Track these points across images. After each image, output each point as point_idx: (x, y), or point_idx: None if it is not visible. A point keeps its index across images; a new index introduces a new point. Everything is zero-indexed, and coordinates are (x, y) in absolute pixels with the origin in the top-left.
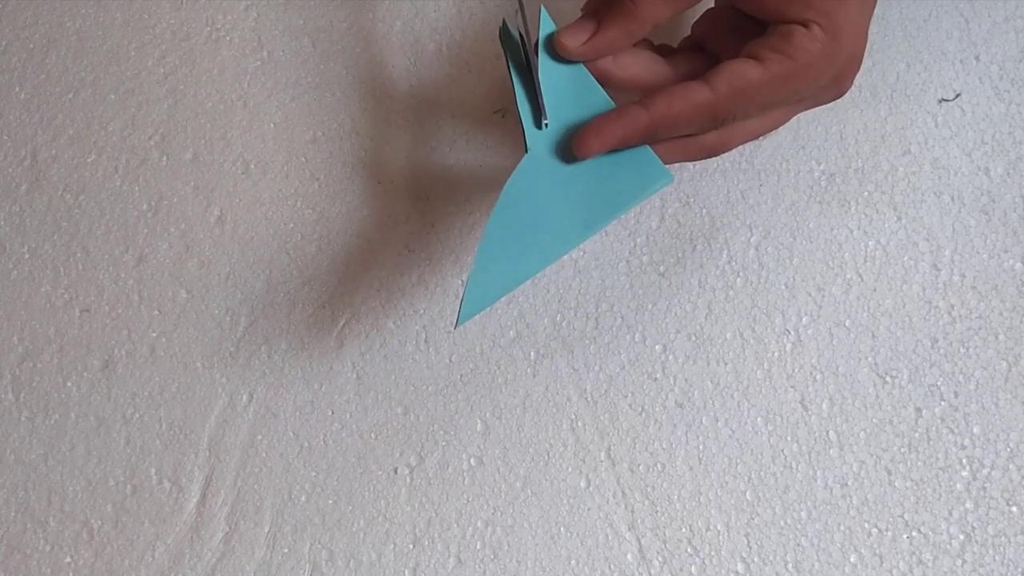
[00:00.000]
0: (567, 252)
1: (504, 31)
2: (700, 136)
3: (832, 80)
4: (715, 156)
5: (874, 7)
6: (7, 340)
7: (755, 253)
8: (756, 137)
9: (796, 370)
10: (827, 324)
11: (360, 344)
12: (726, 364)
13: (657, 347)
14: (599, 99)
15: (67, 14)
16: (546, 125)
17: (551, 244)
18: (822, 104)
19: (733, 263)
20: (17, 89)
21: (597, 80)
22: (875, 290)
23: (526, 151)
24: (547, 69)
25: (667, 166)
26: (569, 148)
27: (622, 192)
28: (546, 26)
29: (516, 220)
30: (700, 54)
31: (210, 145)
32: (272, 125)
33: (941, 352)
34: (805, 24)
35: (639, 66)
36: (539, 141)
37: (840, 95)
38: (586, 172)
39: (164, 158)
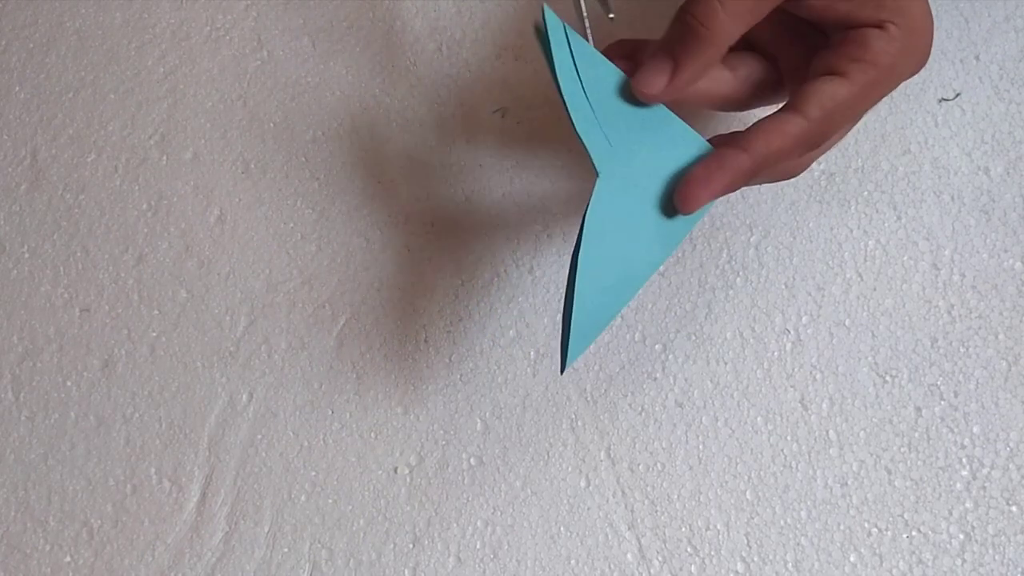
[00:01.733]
0: (654, 272)
1: (550, 23)
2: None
3: (912, 73)
4: (794, 177)
5: None
6: (7, 339)
7: (755, 252)
8: (830, 148)
9: (796, 369)
10: (827, 323)
11: (360, 344)
12: (726, 363)
13: (657, 346)
14: (681, 129)
15: (67, 13)
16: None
17: (638, 267)
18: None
19: (733, 262)
20: (17, 88)
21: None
22: (875, 289)
23: (596, 174)
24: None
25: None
26: (640, 169)
27: (677, 228)
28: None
29: (603, 251)
30: (754, 55)
31: (210, 145)
32: (272, 125)
33: (941, 351)
34: (880, 25)
35: (703, 80)
36: (606, 161)
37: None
38: (656, 187)
39: (164, 157)
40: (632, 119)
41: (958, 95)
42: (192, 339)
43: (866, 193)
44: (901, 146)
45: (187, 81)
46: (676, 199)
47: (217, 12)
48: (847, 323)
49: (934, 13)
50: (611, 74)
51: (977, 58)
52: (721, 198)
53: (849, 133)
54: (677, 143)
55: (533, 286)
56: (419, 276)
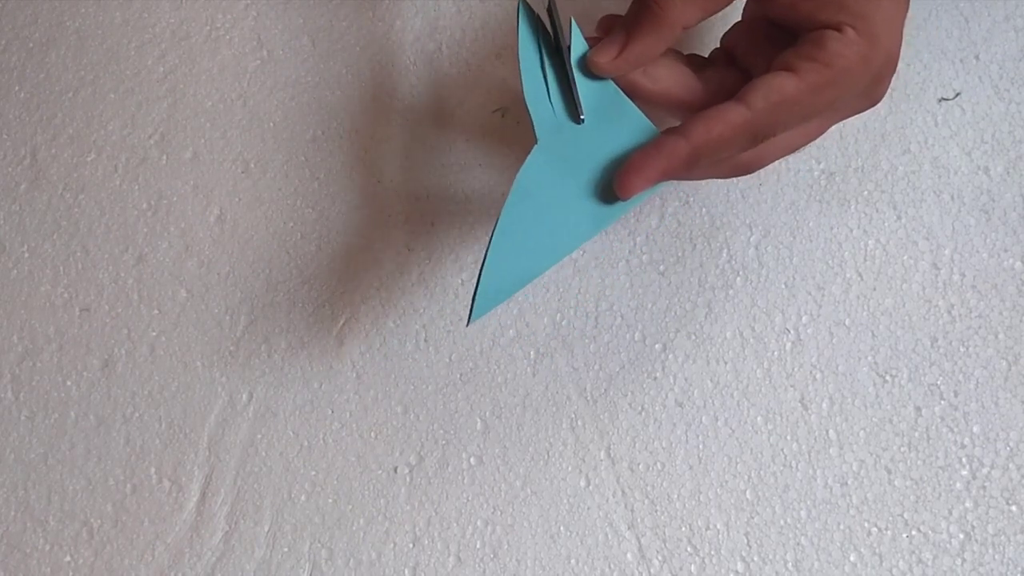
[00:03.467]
0: (578, 247)
1: (524, 9)
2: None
3: (869, 84)
4: (749, 173)
5: (908, 6)
6: (7, 339)
7: (755, 252)
8: (791, 151)
9: (796, 369)
10: (827, 323)
11: (360, 343)
12: (726, 363)
13: (657, 346)
14: (630, 112)
15: (67, 13)
16: (582, 120)
17: (563, 239)
18: (857, 112)
19: (733, 262)
20: (17, 88)
21: (627, 94)
22: (875, 289)
23: (536, 141)
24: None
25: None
26: (582, 146)
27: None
28: (578, 42)
29: (528, 213)
30: (731, 68)
31: (210, 144)
32: (272, 124)
33: (941, 351)
34: (838, 28)
35: (670, 79)
36: (550, 132)
37: (875, 102)
38: (596, 165)
39: (164, 157)
40: (586, 97)
41: (958, 95)
42: (192, 339)
43: (866, 193)
44: (901, 146)
45: (187, 81)
46: (615, 184)
47: (217, 12)
48: (847, 323)
49: (935, 13)
50: (576, 48)
51: (977, 58)
52: (721, 197)
53: (848, 132)
54: (625, 125)
55: (533, 286)
56: (419, 276)
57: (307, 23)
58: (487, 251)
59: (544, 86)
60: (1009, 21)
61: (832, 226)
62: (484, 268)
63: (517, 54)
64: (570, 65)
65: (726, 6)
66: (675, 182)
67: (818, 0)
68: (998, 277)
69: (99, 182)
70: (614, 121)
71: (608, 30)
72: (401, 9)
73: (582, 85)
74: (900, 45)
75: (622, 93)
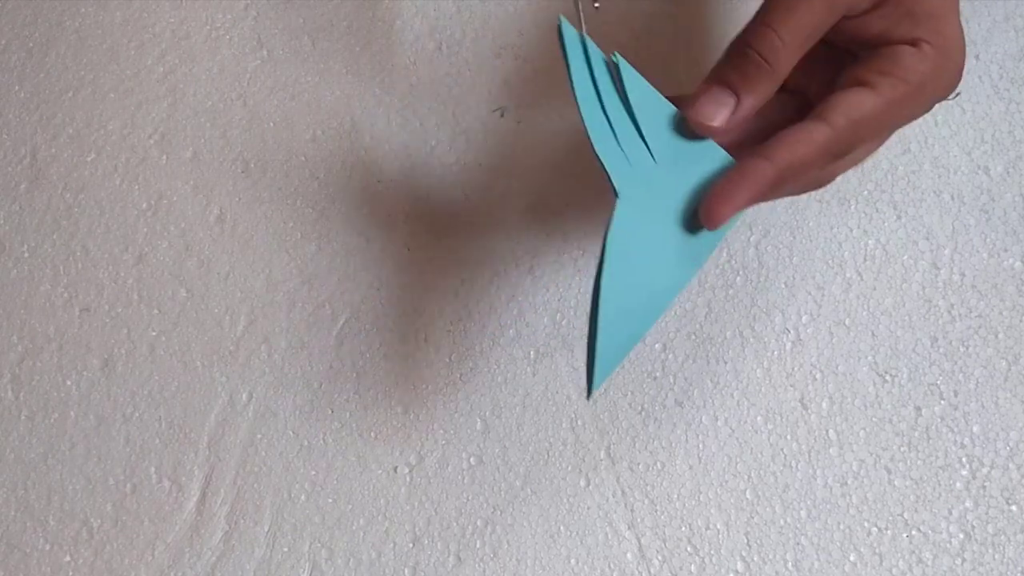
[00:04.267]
0: (681, 291)
1: (567, 34)
2: None
3: (941, 97)
4: (820, 188)
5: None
6: (7, 339)
7: (755, 252)
8: (859, 162)
9: (796, 369)
10: (827, 323)
11: (360, 343)
12: (726, 363)
13: (657, 346)
14: (703, 143)
15: (67, 13)
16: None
17: (665, 287)
18: (913, 120)
19: (733, 262)
20: (16, 88)
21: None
22: (875, 289)
23: (616, 195)
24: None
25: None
26: (663, 187)
27: (704, 244)
28: (631, 78)
29: (627, 274)
30: (782, 93)
31: (209, 144)
32: (272, 124)
33: (941, 351)
34: (915, 44)
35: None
36: (628, 181)
37: (930, 109)
38: (681, 204)
39: (164, 157)
40: (653, 136)
41: (958, 94)
42: (192, 338)
43: (866, 192)
44: (901, 145)
45: (187, 80)
46: (701, 214)
47: (217, 11)
48: (847, 322)
49: None
50: (631, 83)
51: (977, 57)
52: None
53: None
54: (698, 158)
55: (533, 286)
56: (419, 275)
57: (307, 23)
58: (594, 320)
59: (609, 128)
60: (1009, 21)
61: (832, 226)
62: (597, 339)
63: (573, 93)
64: (626, 99)
65: (816, 36)
66: None
67: (892, 18)
68: (998, 277)
69: (99, 182)
70: (689, 155)
71: (724, 80)
72: (401, 9)
73: (645, 122)
74: (965, 50)
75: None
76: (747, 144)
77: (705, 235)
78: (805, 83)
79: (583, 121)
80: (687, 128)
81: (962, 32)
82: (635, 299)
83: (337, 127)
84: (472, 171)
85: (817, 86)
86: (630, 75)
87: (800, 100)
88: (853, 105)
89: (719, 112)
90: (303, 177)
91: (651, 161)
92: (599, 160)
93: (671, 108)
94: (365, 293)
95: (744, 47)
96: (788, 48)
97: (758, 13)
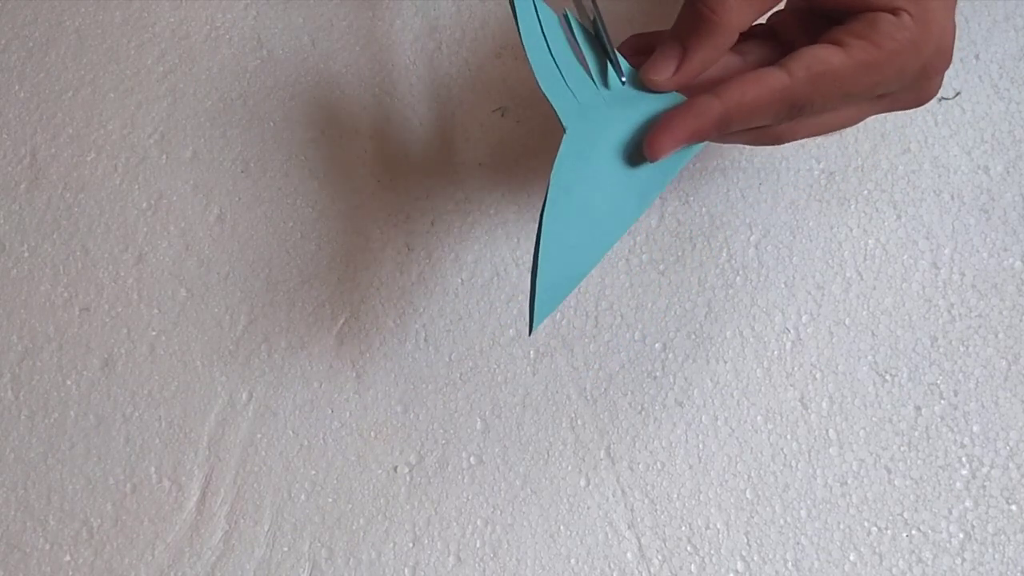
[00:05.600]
0: (627, 229)
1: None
2: None
3: (917, 75)
4: (777, 144)
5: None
6: (7, 338)
7: (755, 251)
8: (824, 132)
9: (796, 368)
10: (827, 322)
11: (360, 343)
12: (726, 362)
13: (657, 345)
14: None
15: (66, 12)
16: (623, 83)
17: (610, 225)
18: (903, 107)
19: (733, 261)
20: (16, 87)
21: None
22: (875, 288)
23: (564, 129)
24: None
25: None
26: (611, 125)
27: (669, 159)
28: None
29: (571, 209)
30: (772, 41)
31: (209, 144)
32: (272, 124)
33: (941, 350)
34: (893, 11)
35: (712, 68)
36: (575, 118)
37: (924, 100)
38: (629, 141)
39: (163, 157)
40: (604, 80)
41: (958, 94)
42: (192, 338)
43: (866, 192)
44: (901, 145)
45: (187, 80)
46: (644, 145)
47: (217, 11)
48: (847, 322)
49: None
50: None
51: (977, 57)
52: (721, 197)
53: (847, 132)
54: (650, 97)
55: None
56: (419, 275)
57: (307, 23)
58: (536, 255)
59: (558, 72)
60: (1009, 21)
61: (832, 225)
62: (538, 273)
63: (522, 44)
64: (603, 26)
65: (780, 1)
66: (675, 181)
67: None
68: (998, 276)
69: (99, 181)
70: (641, 96)
71: (638, 49)
72: (401, 9)
73: (595, 69)
74: (953, 40)
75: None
76: None
77: (654, 173)
78: (798, 42)
79: (530, 66)
80: (640, 83)
81: (950, 11)
82: (579, 235)
83: (336, 126)
84: (472, 171)
85: (805, 43)
86: (579, 29)
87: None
88: (818, 58)
89: (665, 66)
90: (303, 177)
91: (601, 100)
92: (546, 97)
93: (623, 62)
94: (365, 292)
95: (694, 1)
96: (739, 2)
97: None
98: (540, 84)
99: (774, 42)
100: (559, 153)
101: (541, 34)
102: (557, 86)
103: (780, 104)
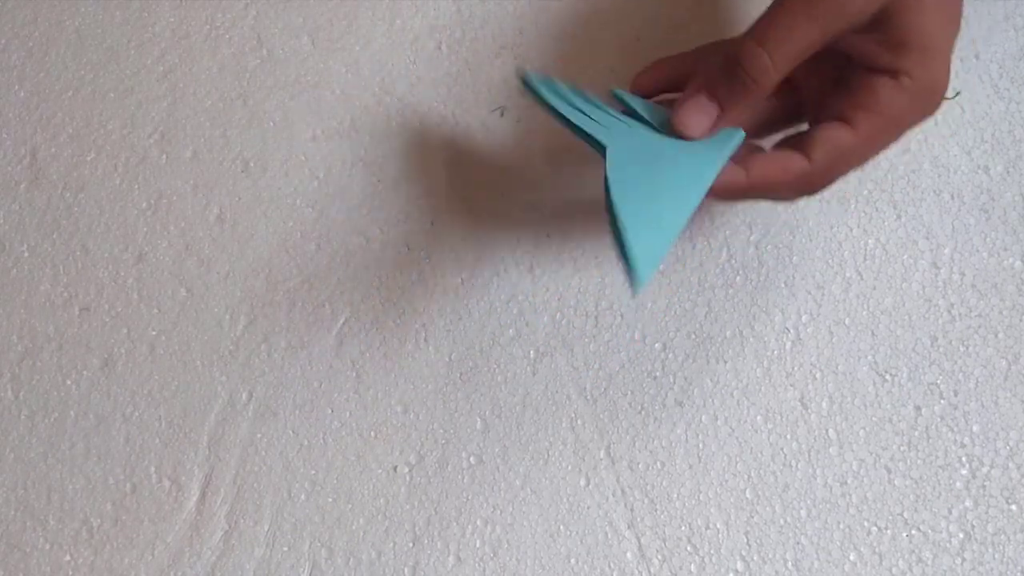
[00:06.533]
0: (700, 199)
1: (526, 83)
2: None
3: (920, 123)
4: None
5: (957, 36)
6: (6, 338)
7: (755, 251)
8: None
9: (796, 368)
10: (827, 322)
11: (359, 342)
12: (726, 362)
13: (657, 345)
14: (689, 148)
15: (66, 12)
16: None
17: (680, 207)
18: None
19: (733, 261)
20: (16, 87)
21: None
22: (875, 288)
23: (603, 151)
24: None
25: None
26: (649, 137)
27: (705, 161)
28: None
29: (635, 177)
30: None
31: (209, 143)
32: (271, 123)
33: (941, 350)
34: (895, 75)
35: None
36: (612, 136)
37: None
38: (667, 140)
39: (163, 156)
40: (643, 142)
41: (958, 94)
42: (192, 338)
43: (866, 192)
44: (901, 145)
45: (187, 80)
46: (673, 121)
47: (216, 11)
48: (847, 322)
49: None
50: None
51: (977, 57)
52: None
53: None
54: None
55: (533, 285)
56: (419, 275)
57: (307, 22)
58: (617, 217)
59: (586, 115)
60: (1009, 20)
61: (832, 225)
62: (626, 231)
63: (550, 109)
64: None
65: (806, 57)
66: None
67: (883, 43)
68: (998, 276)
69: (99, 181)
70: (662, 116)
71: (660, 82)
72: (401, 8)
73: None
74: (948, 81)
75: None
76: (749, 134)
77: (705, 154)
78: (803, 82)
79: (559, 116)
80: (671, 128)
81: (948, 62)
82: (652, 195)
83: (336, 126)
84: (471, 169)
85: (813, 88)
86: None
87: (794, 93)
88: (832, 141)
89: (702, 121)
90: (303, 177)
91: (625, 125)
92: (579, 132)
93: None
94: (365, 292)
95: (735, 64)
96: (777, 68)
97: (754, 26)
98: (572, 122)
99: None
100: (607, 164)
101: (563, 97)
102: (587, 120)
103: (801, 186)
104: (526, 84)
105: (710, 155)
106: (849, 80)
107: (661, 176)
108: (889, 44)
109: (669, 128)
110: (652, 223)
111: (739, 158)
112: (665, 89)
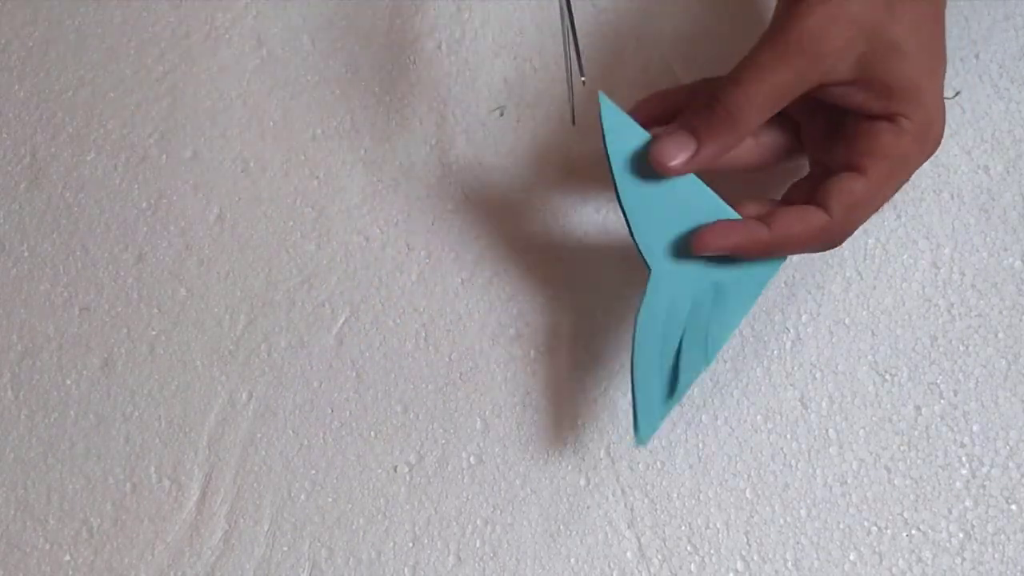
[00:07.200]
0: (714, 359)
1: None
2: None
3: (925, 160)
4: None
5: (945, 70)
6: (6, 338)
7: None
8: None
9: (795, 368)
10: (827, 322)
11: (359, 342)
12: (725, 362)
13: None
14: (711, 203)
15: (66, 12)
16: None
17: (694, 357)
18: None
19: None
20: (16, 87)
21: None
22: (875, 288)
23: (648, 270)
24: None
25: None
26: (687, 250)
27: (746, 285)
28: (614, 121)
29: (657, 339)
30: (780, 118)
31: (209, 143)
32: (271, 123)
33: (940, 350)
34: (892, 119)
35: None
36: (659, 255)
37: None
38: (707, 275)
39: (163, 156)
40: (669, 196)
41: (958, 93)
42: (192, 338)
43: None
44: None
45: (186, 80)
46: (692, 242)
47: (216, 11)
48: (847, 321)
49: None
50: (616, 128)
51: (977, 56)
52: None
53: None
54: (704, 205)
55: (533, 285)
56: (418, 274)
57: (306, 22)
58: (633, 385)
59: (651, 210)
60: (1009, 20)
61: None
62: (637, 400)
63: (609, 167)
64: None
65: (791, 100)
66: None
67: (871, 92)
68: (998, 276)
69: (99, 181)
70: (697, 211)
71: (652, 115)
72: (400, 8)
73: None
74: (944, 116)
75: (699, 183)
76: (750, 170)
77: (733, 304)
78: (801, 121)
79: (620, 201)
80: (649, 163)
81: (941, 98)
82: (667, 359)
83: (336, 126)
84: (472, 171)
85: (812, 128)
86: (615, 116)
87: (796, 126)
88: (846, 191)
89: (679, 155)
90: (303, 176)
91: (670, 223)
92: (632, 237)
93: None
94: (365, 292)
95: (712, 100)
96: (753, 107)
97: (733, 70)
98: (631, 221)
99: (782, 119)
100: (646, 293)
101: (632, 162)
102: (649, 227)
103: (823, 239)
104: (603, 118)
105: (737, 306)
106: (850, 129)
107: (685, 327)
108: (877, 92)
109: (643, 159)
110: (661, 392)
111: (760, 214)
112: (658, 123)
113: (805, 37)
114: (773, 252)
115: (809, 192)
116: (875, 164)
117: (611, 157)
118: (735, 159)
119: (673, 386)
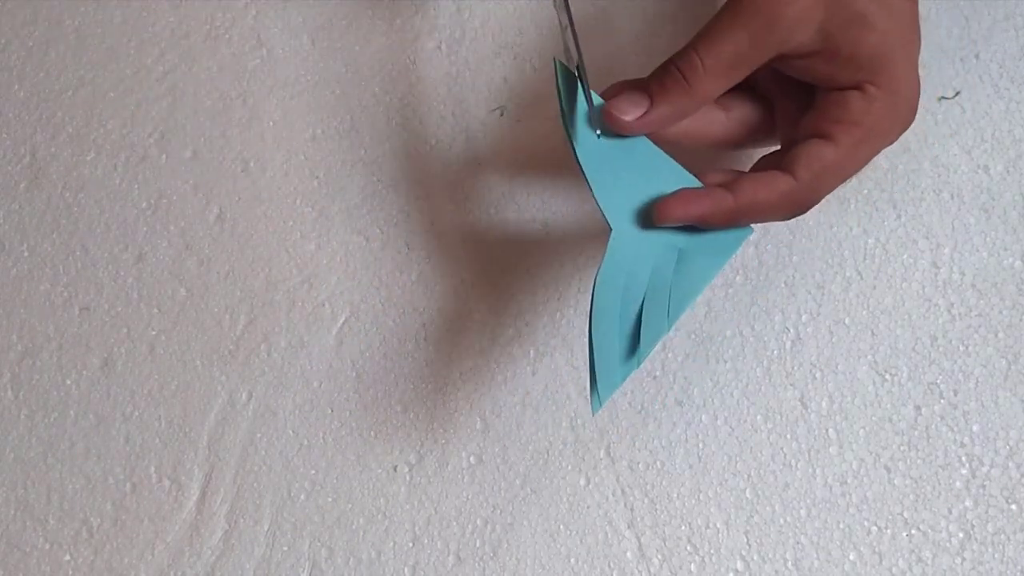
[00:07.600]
0: (672, 327)
1: (562, 72)
2: None
3: (898, 132)
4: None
5: (920, 44)
6: (6, 338)
7: (754, 251)
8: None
9: (795, 368)
10: (826, 322)
11: (359, 342)
12: (725, 362)
13: (656, 345)
14: (675, 172)
15: (66, 12)
16: (598, 136)
17: (655, 321)
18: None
19: (732, 261)
20: (16, 87)
21: (650, 137)
22: (874, 288)
23: (610, 229)
24: (608, 138)
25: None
26: (649, 218)
27: (711, 254)
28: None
29: (617, 301)
30: (752, 94)
31: (209, 143)
32: (271, 123)
33: (940, 350)
34: (859, 87)
35: (696, 118)
36: (620, 217)
37: (893, 142)
38: (671, 242)
39: (163, 156)
40: (627, 158)
41: (958, 93)
42: (191, 338)
43: (865, 191)
44: (900, 144)
45: (186, 79)
46: (655, 211)
47: (216, 10)
48: (847, 321)
49: (935, 12)
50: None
51: (977, 56)
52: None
53: None
54: (668, 173)
55: (532, 284)
56: (419, 275)
57: (307, 22)
58: (590, 340)
59: (612, 174)
60: (1009, 20)
61: (832, 224)
62: (596, 363)
63: (565, 130)
64: (583, 71)
65: (748, 74)
66: None
67: (836, 62)
68: (998, 276)
69: (99, 181)
70: (663, 180)
71: (644, 88)
72: (400, 8)
73: (619, 142)
74: (919, 88)
75: (660, 151)
76: (722, 146)
77: (696, 273)
78: (774, 97)
79: (578, 162)
80: (603, 118)
81: (914, 70)
82: (626, 326)
83: (336, 126)
84: (472, 170)
85: (785, 103)
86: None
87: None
88: (815, 157)
89: (631, 110)
90: (303, 176)
91: (632, 188)
92: (595, 200)
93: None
94: (364, 292)
95: (669, 63)
96: (708, 72)
97: (693, 37)
98: (591, 187)
99: (754, 95)
100: (607, 253)
101: (588, 122)
102: (608, 187)
103: (789, 205)
104: (558, 77)
105: (700, 275)
106: (819, 100)
107: (646, 289)
108: (842, 63)
109: (599, 117)
110: (621, 355)
111: (725, 182)
112: None
113: (760, 3)
114: (739, 220)
115: (776, 162)
116: (844, 131)
117: (567, 119)
118: (705, 132)
119: (633, 349)
